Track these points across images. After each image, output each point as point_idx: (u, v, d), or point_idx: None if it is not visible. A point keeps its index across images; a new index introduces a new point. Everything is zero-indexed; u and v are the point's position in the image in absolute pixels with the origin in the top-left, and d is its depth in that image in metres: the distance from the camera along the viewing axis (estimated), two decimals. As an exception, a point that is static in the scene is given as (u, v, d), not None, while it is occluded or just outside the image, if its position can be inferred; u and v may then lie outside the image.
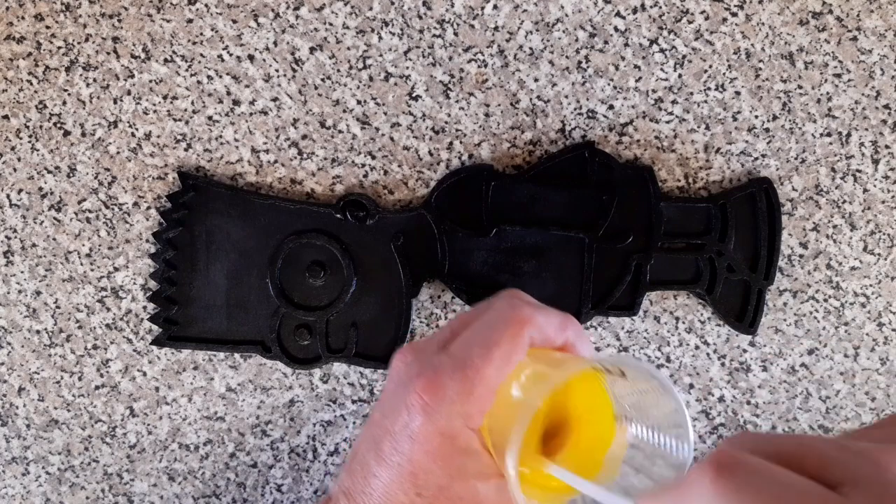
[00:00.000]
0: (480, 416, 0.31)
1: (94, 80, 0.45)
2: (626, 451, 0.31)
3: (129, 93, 0.45)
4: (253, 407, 0.48)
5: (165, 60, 0.45)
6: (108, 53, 0.45)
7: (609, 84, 0.45)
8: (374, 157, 0.45)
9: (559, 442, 0.32)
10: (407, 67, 0.44)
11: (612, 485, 0.31)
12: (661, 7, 0.44)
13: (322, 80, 0.45)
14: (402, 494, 0.31)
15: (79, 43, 0.45)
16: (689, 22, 0.44)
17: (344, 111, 0.45)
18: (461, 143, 0.45)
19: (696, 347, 0.47)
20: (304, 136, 0.45)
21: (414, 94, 0.45)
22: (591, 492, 0.30)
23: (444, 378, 0.31)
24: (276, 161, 0.46)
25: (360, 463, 0.33)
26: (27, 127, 0.45)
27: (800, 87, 0.45)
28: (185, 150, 0.46)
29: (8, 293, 0.47)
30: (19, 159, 0.46)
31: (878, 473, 0.19)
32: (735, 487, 0.19)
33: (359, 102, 0.45)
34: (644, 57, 0.44)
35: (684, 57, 0.44)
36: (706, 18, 0.44)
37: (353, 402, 0.48)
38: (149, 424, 0.48)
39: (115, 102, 0.45)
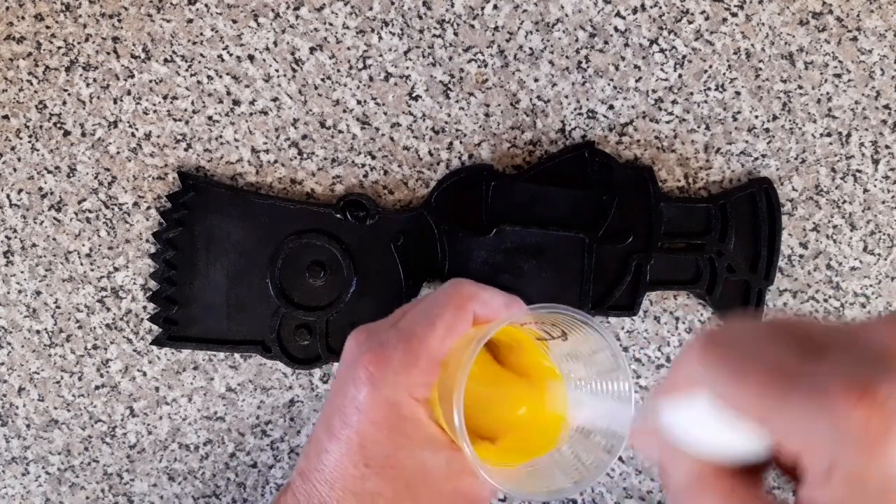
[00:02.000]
0: (425, 388, 0.32)
1: (94, 80, 0.45)
2: (574, 423, 0.32)
3: (129, 93, 0.45)
4: (253, 407, 0.48)
5: (165, 60, 0.45)
6: (108, 53, 0.45)
7: (609, 84, 0.45)
8: (374, 157, 0.45)
9: (507, 424, 0.33)
10: (407, 67, 0.44)
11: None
12: (661, 7, 0.44)
13: (322, 80, 0.45)
14: (352, 467, 0.32)
15: (79, 43, 0.45)
16: (689, 22, 0.44)
17: (344, 111, 0.45)
18: (461, 143, 0.45)
19: (696, 347, 0.47)
20: (304, 136, 0.45)
21: (414, 94, 0.45)
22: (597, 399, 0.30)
23: (389, 350, 0.32)
24: (276, 161, 0.46)
25: (314, 442, 0.34)
26: (27, 127, 0.45)
27: (800, 87, 0.45)
28: (185, 150, 0.46)
29: (8, 293, 0.47)
30: (19, 159, 0.46)
31: (860, 339, 0.19)
32: (718, 357, 0.20)
33: (359, 102, 0.45)
34: (644, 57, 0.44)
35: (684, 57, 0.44)
36: (706, 18, 0.44)
37: (353, 402, 0.48)
38: (149, 424, 0.48)
39: (115, 102, 0.45)
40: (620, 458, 0.48)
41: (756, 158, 0.45)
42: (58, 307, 0.47)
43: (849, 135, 0.45)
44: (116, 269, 0.47)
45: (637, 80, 0.45)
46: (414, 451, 0.32)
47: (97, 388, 0.48)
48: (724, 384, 0.20)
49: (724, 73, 0.44)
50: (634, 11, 0.44)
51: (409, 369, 0.31)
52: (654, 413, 0.22)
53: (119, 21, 0.44)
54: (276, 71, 0.45)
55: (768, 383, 0.19)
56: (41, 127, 0.45)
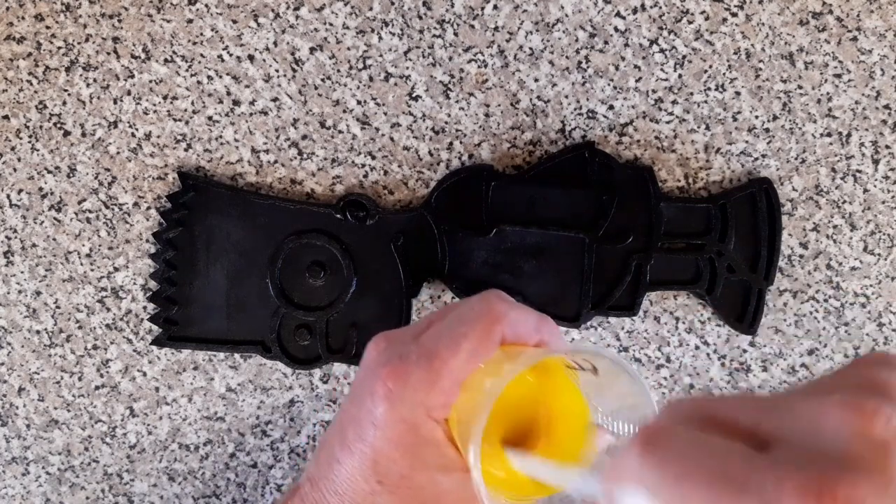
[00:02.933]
0: (444, 408, 0.31)
1: (94, 80, 0.45)
2: (600, 446, 0.31)
3: (129, 93, 0.45)
4: (253, 407, 0.48)
5: (165, 60, 0.45)
6: (108, 53, 0.45)
7: (609, 84, 0.45)
8: (374, 157, 0.45)
9: (532, 444, 0.32)
10: (407, 67, 0.44)
11: (577, 469, 0.31)
12: (661, 7, 0.44)
13: (322, 80, 0.45)
14: (364, 482, 0.31)
15: (79, 43, 0.45)
16: (689, 22, 0.44)
17: (344, 111, 0.45)
18: (461, 143, 0.45)
19: (696, 348, 0.47)
20: (304, 137, 0.45)
21: (414, 94, 0.45)
22: (552, 473, 0.29)
23: (410, 367, 0.31)
24: (276, 161, 0.46)
25: (326, 449, 0.33)
26: (27, 127, 0.45)
27: (800, 87, 0.45)
28: (185, 150, 0.46)
29: (8, 293, 0.47)
30: (19, 159, 0.46)
31: (810, 428, 0.18)
32: (659, 459, 0.19)
33: (359, 102, 0.45)
34: (644, 57, 0.44)
35: (684, 57, 0.44)
36: (706, 18, 0.44)
37: (353, 402, 0.48)
38: (149, 424, 0.48)
39: (115, 102, 0.45)
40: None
41: (756, 158, 0.45)
42: (58, 307, 0.47)
43: (849, 135, 0.45)
44: (116, 269, 0.47)
45: (637, 80, 0.45)
46: (429, 472, 0.31)
47: (97, 388, 0.48)
48: (666, 489, 0.19)
49: (724, 73, 0.44)
50: (634, 11, 0.44)
51: (429, 389, 0.30)
52: (611, 498, 0.21)
53: (119, 21, 0.44)
54: (276, 71, 0.45)
55: (715, 490, 0.18)
56: (41, 127, 0.45)
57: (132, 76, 0.45)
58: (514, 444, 0.32)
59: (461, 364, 0.30)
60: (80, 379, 0.48)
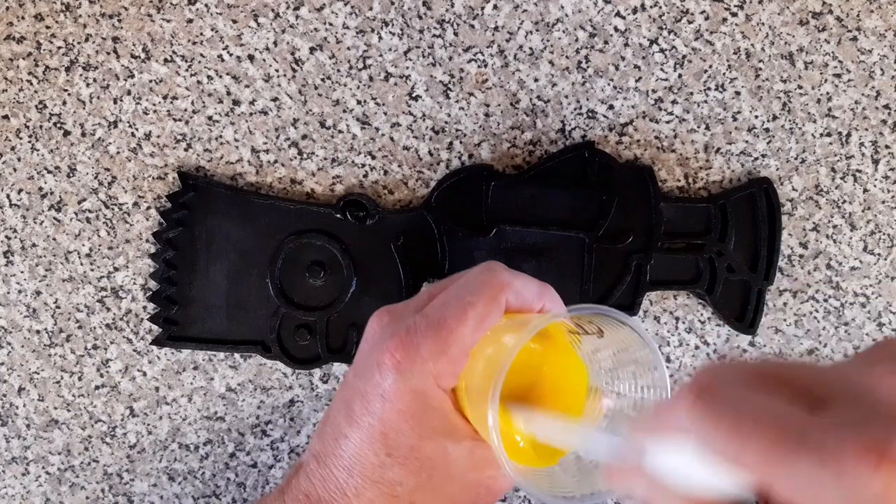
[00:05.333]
0: (453, 377, 0.31)
1: (94, 80, 0.45)
2: (603, 407, 0.31)
3: (129, 93, 0.45)
4: (253, 407, 0.48)
5: (165, 60, 0.45)
6: (108, 53, 0.45)
7: (609, 84, 0.45)
8: (374, 157, 0.45)
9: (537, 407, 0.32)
10: (407, 67, 0.44)
11: (585, 426, 0.31)
12: (661, 7, 0.44)
13: (322, 80, 0.45)
14: (373, 455, 0.31)
15: (79, 43, 0.45)
16: (689, 22, 0.44)
17: (344, 111, 0.45)
18: (461, 143, 0.45)
19: (696, 347, 0.47)
20: (304, 136, 0.45)
21: (414, 94, 0.45)
22: (558, 430, 0.29)
23: (418, 337, 0.31)
24: (276, 161, 0.46)
25: (332, 425, 0.33)
26: (27, 127, 0.45)
27: (800, 87, 0.45)
28: (185, 150, 0.46)
29: (8, 293, 0.47)
30: (19, 159, 0.46)
31: (864, 391, 0.18)
32: (713, 411, 0.19)
33: (359, 102, 0.45)
34: (644, 57, 0.44)
35: (684, 57, 0.44)
36: (706, 18, 0.44)
37: (353, 402, 0.48)
38: (149, 424, 0.48)
39: (115, 102, 0.45)
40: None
41: (756, 158, 0.45)
42: (58, 307, 0.47)
43: (849, 135, 0.45)
44: (116, 269, 0.47)
45: (637, 80, 0.45)
46: (438, 442, 0.31)
47: (97, 388, 0.48)
48: (721, 439, 0.19)
49: (724, 73, 0.44)
50: (634, 11, 0.44)
51: (438, 359, 0.30)
52: (638, 452, 0.21)
53: (119, 21, 0.44)
54: (276, 71, 0.45)
55: (772, 441, 0.18)
56: (41, 127, 0.45)
57: (132, 76, 0.45)
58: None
59: (469, 332, 0.30)
60: (80, 379, 0.48)
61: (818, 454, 0.17)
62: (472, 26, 0.44)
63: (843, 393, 0.18)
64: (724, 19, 0.44)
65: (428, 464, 0.31)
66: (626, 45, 0.44)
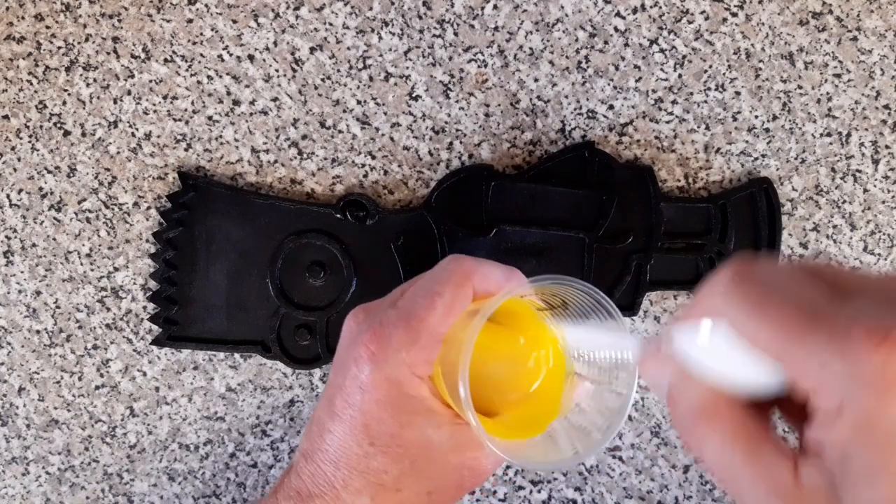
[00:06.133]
0: (427, 364, 0.32)
1: (94, 80, 0.45)
2: (578, 371, 0.33)
3: (129, 93, 0.45)
4: (253, 407, 0.48)
5: (165, 60, 0.45)
6: (108, 53, 0.45)
7: (609, 84, 0.45)
8: (374, 157, 0.45)
9: (516, 382, 0.34)
10: (407, 67, 0.44)
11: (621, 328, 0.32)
12: (661, 7, 0.44)
13: (322, 80, 0.45)
14: (357, 446, 0.32)
15: (79, 43, 0.45)
16: (689, 22, 0.44)
17: (344, 111, 0.45)
18: (461, 143, 0.45)
19: (696, 347, 0.47)
20: (304, 136, 0.45)
21: (414, 94, 0.45)
22: (601, 331, 0.30)
23: (389, 329, 0.32)
24: (276, 161, 0.46)
25: (317, 423, 0.34)
26: (27, 127, 0.45)
27: (800, 87, 0.45)
28: (185, 150, 0.46)
29: (8, 293, 0.47)
30: (19, 159, 0.46)
31: (889, 292, 0.19)
32: (745, 290, 0.20)
33: (359, 102, 0.45)
34: (644, 57, 0.44)
35: (684, 57, 0.44)
36: (706, 18, 0.44)
37: (353, 402, 0.48)
38: (149, 424, 0.48)
39: (115, 102, 0.45)
40: (620, 458, 0.48)
41: (756, 158, 0.45)
42: (58, 307, 0.47)
43: (849, 135, 0.45)
44: (116, 269, 0.47)
45: (637, 80, 0.45)
46: (418, 428, 0.32)
47: (97, 388, 0.48)
48: (745, 317, 0.20)
49: (724, 73, 0.44)
50: (634, 11, 0.44)
51: (411, 347, 0.31)
52: (669, 340, 0.22)
53: (119, 21, 0.44)
54: (276, 71, 0.45)
55: (790, 319, 0.19)
56: (41, 127, 0.45)
57: (132, 76, 0.45)
58: (496, 391, 0.33)
59: (438, 320, 0.32)
60: (80, 379, 0.48)
61: (828, 333, 0.18)
62: (472, 26, 0.44)
63: (868, 290, 0.19)
64: (724, 19, 0.44)
65: (410, 450, 0.32)
66: (627, 45, 0.44)
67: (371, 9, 0.44)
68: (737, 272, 0.20)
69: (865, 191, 0.46)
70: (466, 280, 0.32)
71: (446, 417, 0.33)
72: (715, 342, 0.20)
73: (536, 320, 0.34)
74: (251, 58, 0.45)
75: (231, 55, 0.45)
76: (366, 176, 0.46)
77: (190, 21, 0.44)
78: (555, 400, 0.33)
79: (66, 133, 0.45)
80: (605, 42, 0.44)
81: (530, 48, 0.44)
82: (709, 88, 0.45)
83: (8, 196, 0.46)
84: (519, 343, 0.34)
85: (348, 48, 0.44)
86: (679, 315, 0.22)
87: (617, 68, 0.44)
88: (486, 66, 0.44)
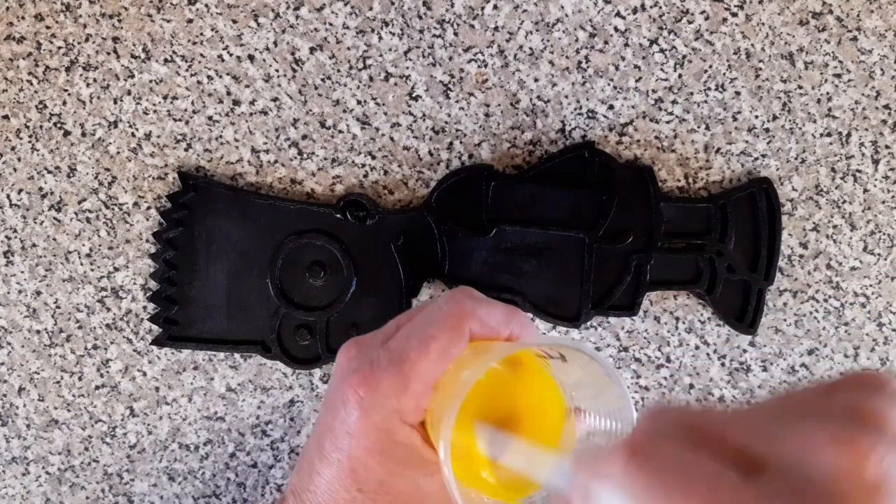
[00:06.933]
0: (417, 412, 0.31)
1: (94, 80, 0.45)
2: (577, 438, 0.31)
3: (129, 93, 0.45)
4: (253, 407, 0.48)
5: (165, 60, 0.45)
6: (108, 53, 0.45)
7: (609, 84, 0.45)
8: (374, 157, 0.45)
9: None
10: (407, 67, 0.44)
11: (551, 456, 0.30)
12: (661, 7, 0.44)
13: (322, 80, 0.45)
14: (344, 491, 0.31)
15: (79, 43, 0.45)
16: (689, 22, 0.44)
17: (344, 111, 0.45)
18: (461, 143, 0.45)
19: (696, 347, 0.47)
20: (304, 136, 0.45)
21: (414, 94, 0.45)
22: (525, 458, 0.29)
23: (379, 373, 0.30)
24: (276, 161, 0.46)
25: (307, 461, 0.33)
26: (27, 127, 0.45)
27: (800, 87, 0.45)
28: (185, 150, 0.46)
29: (8, 293, 0.47)
30: (19, 159, 0.46)
31: (801, 458, 0.18)
32: (647, 472, 0.19)
33: (359, 102, 0.45)
34: (644, 57, 0.44)
35: (684, 57, 0.44)
36: (706, 18, 0.44)
37: (353, 402, 0.48)
38: (149, 424, 0.48)
39: (115, 102, 0.45)
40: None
41: (756, 158, 0.45)
42: (58, 307, 0.47)
43: (849, 135, 0.45)
44: (116, 269, 0.47)
45: (637, 80, 0.45)
46: (408, 476, 0.31)
47: (97, 388, 0.48)
48: (656, 501, 0.19)
49: (724, 73, 0.44)
50: (634, 11, 0.44)
51: (401, 394, 0.30)
52: (585, 492, 0.21)
53: (119, 21, 0.44)
54: (276, 71, 0.45)
55: None
56: (41, 127, 0.45)
57: (132, 76, 0.45)
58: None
59: (431, 366, 0.30)
60: (80, 379, 0.48)
61: None
62: (472, 26, 0.44)
63: (780, 458, 0.18)
64: (724, 19, 0.44)
65: (400, 498, 0.31)
66: (627, 45, 0.44)
67: (371, 9, 0.44)
68: (636, 446, 0.19)
69: (865, 191, 0.46)
70: (463, 323, 0.31)
71: (437, 464, 0.31)
72: None
73: (541, 369, 0.32)
74: (251, 58, 0.45)
75: (231, 55, 0.45)
76: (366, 176, 0.46)
77: (190, 21, 0.44)
78: (554, 447, 0.32)
79: (66, 133, 0.45)
80: (605, 42, 0.44)
81: (530, 48, 0.44)
82: (709, 88, 0.45)
83: (8, 196, 0.46)
84: (521, 389, 0.32)
85: (348, 48, 0.44)
86: (588, 470, 0.21)
87: (617, 68, 0.44)
88: (486, 66, 0.44)
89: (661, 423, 0.20)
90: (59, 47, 0.45)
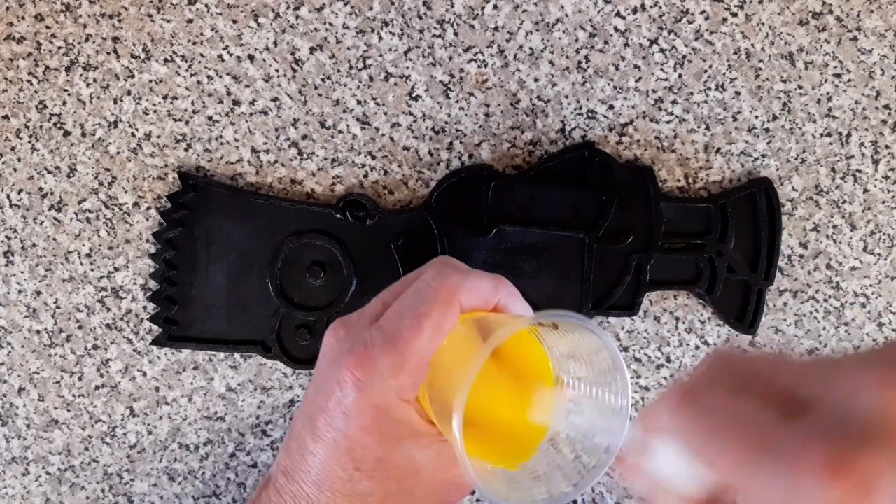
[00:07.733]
0: (414, 388, 0.31)
1: (94, 80, 0.45)
2: (567, 404, 0.31)
3: (129, 93, 0.45)
4: (253, 407, 0.48)
5: (165, 60, 0.45)
6: (108, 53, 0.45)
7: (609, 84, 0.45)
8: (374, 157, 0.45)
9: (502, 406, 0.32)
10: (407, 67, 0.44)
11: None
12: (661, 7, 0.44)
13: (322, 80, 0.45)
14: (341, 470, 0.31)
15: (79, 43, 0.45)
16: (689, 22, 0.44)
17: (344, 111, 0.45)
18: (461, 143, 0.45)
19: (696, 347, 0.47)
20: (304, 136, 0.45)
21: (414, 94, 0.45)
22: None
23: (375, 353, 0.31)
24: (276, 161, 0.46)
25: (297, 441, 0.33)
26: (27, 127, 0.45)
27: (800, 87, 0.45)
28: (185, 150, 0.46)
29: (8, 293, 0.47)
30: (19, 159, 0.46)
31: (844, 398, 0.18)
32: (692, 416, 0.20)
33: (359, 102, 0.45)
34: (644, 57, 0.44)
35: (684, 57, 0.44)
36: (706, 18, 0.44)
37: (353, 402, 0.48)
38: (149, 424, 0.48)
39: (115, 102, 0.45)
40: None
41: (756, 158, 0.45)
42: (58, 307, 0.47)
43: (849, 135, 0.45)
44: (116, 269, 0.47)
45: (637, 80, 0.45)
46: (404, 450, 0.32)
47: (97, 388, 0.48)
48: (699, 444, 0.19)
49: (724, 73, 0.44)
50: (634, 11, 0.44)
51: (398, 373, 0.30)
52: (639, 450, 0.22)
53: (119, 21, 0.44)
54: (276, 71, 0.45)
55: (743, 448, 0.18)
56: (41, 127, 0.45)
57: (132, 76, 0.45)
58: (481, 410, 0.32)
59: (426, 343, 0.30)
60: (80, 379, 0.48)
61: (784, 461, 0.17)
62: (472, 26, 0.44)
63: (822, 398, 0.18)
64: (724, 19, 0.44)
65: (396, 472, 0.32)
66: (627, 45, 0.44)
67: (371, 9, 0.44)
68: (685, 391, 0.20)
69: (865, 191, 0.46)
70: (453, 298, 0.31)
71: (433, 437, 0.32)
72: (677, 459, 0.21)
73: (531, 339, 0.32)
74: (251, 58, 0.45)
75: (231, 55, 0.45)
76: (366, 176, 0.46)
77: (190, 21, 0.44)
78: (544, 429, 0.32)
79: (66, 133, 0.45)
80: (605, 42, 0.44)
81: (530, 48, 0.44)
82: (709, 88, 0.45)
83: (8, 196, 0.46)
84: (511, 359, 0.33)
85: (348, 48, 0.44)
86: (640, 418, 0.22)
87: (617, 68, 0.44)
88: (486, 66, 0.44)
89: (715, 367, 0.21)
90: (59, 47, 0.45)
